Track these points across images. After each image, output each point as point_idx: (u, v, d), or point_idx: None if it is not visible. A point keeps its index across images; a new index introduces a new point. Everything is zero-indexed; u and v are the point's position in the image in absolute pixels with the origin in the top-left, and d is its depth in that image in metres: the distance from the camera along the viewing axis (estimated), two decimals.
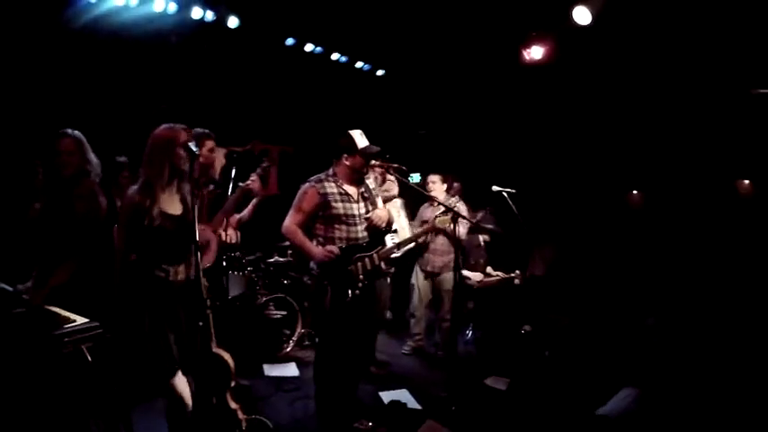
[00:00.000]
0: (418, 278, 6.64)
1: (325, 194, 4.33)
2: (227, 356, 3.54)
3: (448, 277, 6.40)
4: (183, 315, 3.44)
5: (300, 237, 4.33)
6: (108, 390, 3.35)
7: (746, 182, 7.94)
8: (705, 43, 6.88)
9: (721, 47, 6.88)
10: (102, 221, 3.91)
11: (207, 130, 4.65)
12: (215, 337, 3.42)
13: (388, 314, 7.18)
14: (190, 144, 3.30)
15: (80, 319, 3.20)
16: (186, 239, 3.20)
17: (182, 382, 3.50)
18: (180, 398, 3.48)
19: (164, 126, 3.48)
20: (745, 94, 7.16)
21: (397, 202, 6.02)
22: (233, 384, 3.58)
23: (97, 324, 3.18)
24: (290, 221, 4.37)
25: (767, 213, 7.39)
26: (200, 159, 4.48)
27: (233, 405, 3.66)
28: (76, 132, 4.00)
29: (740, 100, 7.42)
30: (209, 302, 3.30)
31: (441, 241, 6.41)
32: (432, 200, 6.15)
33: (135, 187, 3.45)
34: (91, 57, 6.45)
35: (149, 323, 3.39)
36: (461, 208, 6.12)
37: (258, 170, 5.01)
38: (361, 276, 4.31)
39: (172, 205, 3.48)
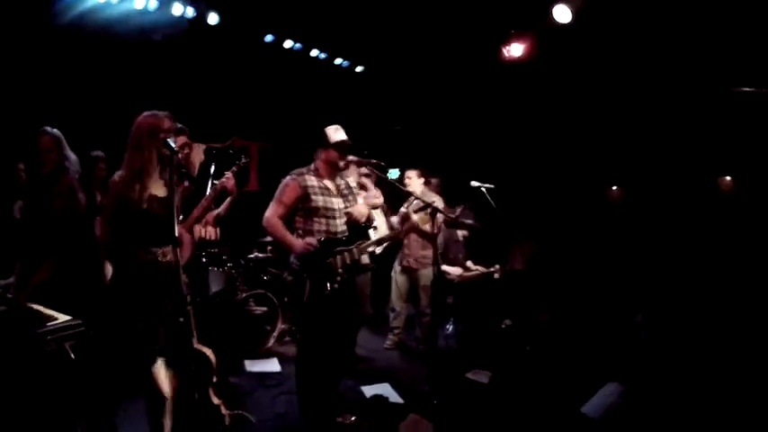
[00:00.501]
0: (396, 273, 6.67)
1: (306, 187, 4.37)
2: (208, 352, 3.55)
3: (425, 272, 6.38)
4: (168, 303, 3.40)
5: (281, 229, 4.35)
6: (91, 387, 3.33)
7: (728, 178, 8.02)
8: (686, 41, 6.97)
9: (702, 45, 6.97)
10: (82, 218, 3.90)
11: (180, 125, 4.58)
12: (196, 333, 3.41)
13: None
14: (168, 140, 3.29)
15: (62, 317, 3.17)
16: (171, 221, 3.14)
17: (162, 373, 3.47)
18: (159, 389, 3.44)
19: (147, 113, 3.47)
20: (725, 92, 7.24)
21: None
22: (215, 380, 3.58)
23: (80, 322, 3.16)
24: (270, 214, 4.38)
25: (748, 210, 7.46)
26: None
27: (216, 401, 3.67)
28: (55, 130, 3.99)
29: (721, 97, 7.49)
30: (189, 298, 3.29)
31: (416, 237, 6.39)
32: (410, 196, 6.14)
33: (120, 173, 3.43)
34: (72, 54, 6.40)
35: (133, 307, 3.38)
36: (439, 203, 6.13)
37: (234, 167, 5.01)
38: (340, 270, 4.33)
39: (158, 189, 3.48)
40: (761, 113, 7.43)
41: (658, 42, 7.15)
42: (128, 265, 3.43)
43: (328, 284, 4.28)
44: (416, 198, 5.62)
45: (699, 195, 8.25)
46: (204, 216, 4.98)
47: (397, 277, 6.66)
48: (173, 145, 3.26)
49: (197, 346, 3.45)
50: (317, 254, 4.26)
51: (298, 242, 4.28)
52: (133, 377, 3.59)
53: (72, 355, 3.02)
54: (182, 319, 3.14)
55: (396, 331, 6.77)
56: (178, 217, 4.55)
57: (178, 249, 3.17)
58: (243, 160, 5.21)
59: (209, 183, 5.22)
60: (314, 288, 4.29)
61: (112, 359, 3.57)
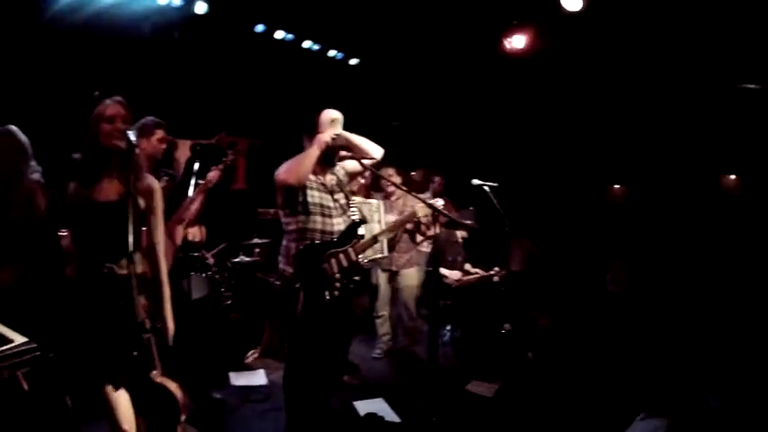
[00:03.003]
0: (380, 278, 6.39)
1: None
2: (173, 387, 3.08)
3: (410, 273, 6.25)
4: (120, 329, 2.93)
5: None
6: (47, 418, 2.97)
7: (732, 177, 7.84)
8: (692, 37, 6.73)
9: (709, 41, 6.72)
10: (44, 224, 3.55)
11: (157, 119, 4.39)
12: (160, 364, 2.95)
13: None
14: (129, 133, 2.88)
15: (18, 339, 2.82)
16: (124, 230, 2.72)
17: (117, 395, 3.03)
18: (115, 412, 3.02)
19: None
20: (731, 89, 7.05)
21: (374, 202, 5.70)
22: (183, 419, 3.16)
23: (35, 345, 2.80)
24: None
25: (752, 209, 7.29)
26: (149, 150, 4.29)
27: None
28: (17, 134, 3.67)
29: (727, 95, 7.31)
30: (148, 324, 2.86)
31: (402, 238, 6.18)
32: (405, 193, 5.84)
33: (72, 176, 3.05)
34: (50, 49, 6.09)
35: (81, 328, 2.97)
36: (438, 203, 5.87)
37: (220, 164, 4.82)
38: (337, 275, 3.97)
39: (107, 192, 3.02)
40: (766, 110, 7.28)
41: (664, 37, 6.90)
42: (78, 279, 3.02)
43: (327, 293, 3.93)
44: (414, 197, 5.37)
45: (702, 193, 8.10)
46: (187, 218, 4.74)
47: (382, 282, 6.41)
48: (132, 138, 2.86)
49: (160, 380, 2.99)
50: (310, 260, 3.92)
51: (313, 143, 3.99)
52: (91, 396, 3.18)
53: (25, 386, 2.65)
54: (135, 353, 2.73)
55: (385, 338, 6.50)
56: (142, 223, 4.28)
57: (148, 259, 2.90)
58: (230, 157, 4.97)
59: (192, 180, 4.90)
60: (309, 299, 3.93)
61: (70, 383, 3.19)
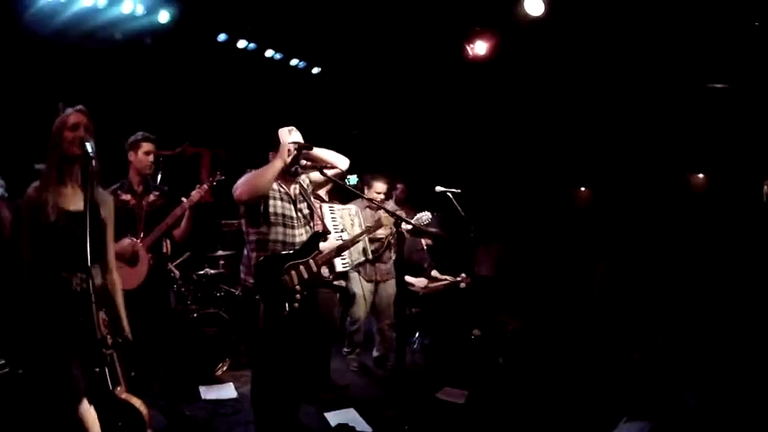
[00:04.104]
0: (364, 287, 6.24)
1: None
2: (138, 403, 3.02)
3: (392, 283, 6.19)
4: (81, 344, 2.88)
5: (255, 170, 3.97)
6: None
7: (701, 176, 7.94)
8: (659, 37, 6.79)
9: (676, 41, 6.80)
10: (7, 236, 3.46)
11: (147, 133, 4.50)
12: (124, 380, 2.89)
13: None
14: (87, 144, 2.84)
15: None
16: (83, 241, 2.65)
17: (91, 416, 2.96)
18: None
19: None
20: (699, 89, 7.12)
21: (353, 208, 5.65)
22: None
23: (3, 362, 2.72)
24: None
25: (720, 208, 7.38)
26: (136, 164, 4.50)
27: None
28: None
29: (695, 94, 7.39)
30: (109, 340, 2.80)
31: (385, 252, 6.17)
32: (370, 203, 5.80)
33: (34, 184, 2.99)
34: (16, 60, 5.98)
35: (51, 341, 2.88)
36: (401, 211, 5.85)
37: (206, 184, 4.81)
38: (297, 287, 3.91)
39: (71, 201, 2.98)
40: (734, 110, 7.36)
41: (628, 39, 6.96)
42: (36, 291, 2.93)
43: (287, 305, 3.87)
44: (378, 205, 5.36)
45: (670, 193, 8.18)
46: (177, 235, 4.74)
47: (365, 293, 6.25)
48: (89, 149, 2.82)
49: (125, 396, 2.92)
50: (270, 271, 3.86)
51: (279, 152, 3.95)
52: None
53: None
54: (97, 369, 2.65)
55: (357, 350, 6.42)
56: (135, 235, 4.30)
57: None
58: (218, 177, 4.96)
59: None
60: (269, 311, 3.88)
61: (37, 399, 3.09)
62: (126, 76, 6.99)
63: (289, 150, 3.93)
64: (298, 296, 3.90)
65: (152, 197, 4.61)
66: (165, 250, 4.72)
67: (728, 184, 7.88)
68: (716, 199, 7.88)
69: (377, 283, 6.24)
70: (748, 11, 6.03)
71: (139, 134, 4.51)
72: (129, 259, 4.40)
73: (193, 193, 4.69)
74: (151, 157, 4.53)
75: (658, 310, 6.34)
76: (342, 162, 4.28)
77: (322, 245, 4.17)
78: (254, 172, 3.96)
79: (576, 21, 6.73)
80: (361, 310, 6.30)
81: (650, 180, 8.34)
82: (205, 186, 4.79)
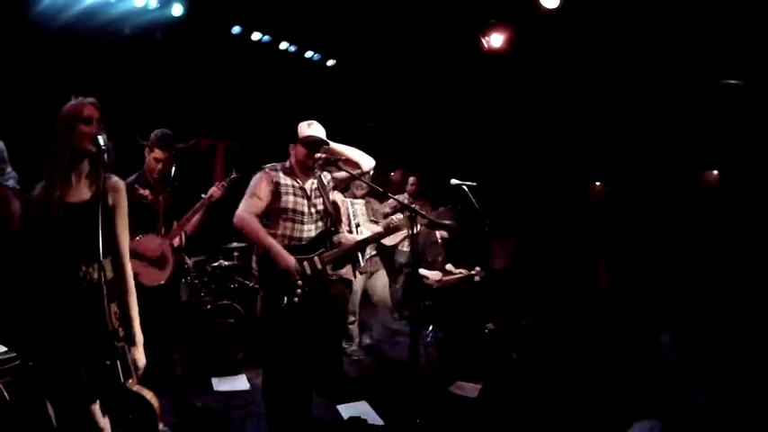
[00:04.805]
0: (358, 280, 6.18)
1: (278, 183, 3.98)
2: (149, 396, 2.99)
3: (382, 273, 6.38)
4: (90, 337, 2.83)
5: (260, 229, 3.90)
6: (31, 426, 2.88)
7: (715, 172, 7.86)
8: (674, 32, 6.70)
9: (690, 36, 6.71)
10: (17, 229, 3.45)
11: (164, 138, 4.50)
12: (135, 373, 2.86)
13: None
14: (99, 137, 2.78)
15: None
16: (95, 234, 2.63)
17: (99, 419, 2.93)
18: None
19: (69, 103, 2.93)
20: (713, 85, 7.04)
21: (360, 202, 5.65)
22: (161, 427, 3.07)
23: (15, 355, 2.72)
24: (244, 208, 3.94)
25: (734, 204, 7.30)
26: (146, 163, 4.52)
27: None
28: None
29: (709, 90, 7.30)
30: (121, 332, 2.79)
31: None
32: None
33: (40, 184, 2.90)
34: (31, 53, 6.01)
35: (58, 339, 2.84)
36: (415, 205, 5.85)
37: (225, 181, 4.81)
38: (299, 282, 3.89)
39: (73, 193, 2.89)
40: (748, 106, 7.27)
41: (643, 34, 6.88)
42: (47, 286, 2.88)
43: (285, 298, 3.87)
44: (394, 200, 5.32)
45: (684, 190, 8.10)
46: (189, 229, 4.75)
47: (357, 284, 6.23)
48: (101, 142, 2.76)
49: (136, 389, 2.90)
50: (272, 265, 3.86)
51: (283, 252, 3.85)
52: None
53: (6, 396, 2.57)
54: (108, 362, 2.60)
55: (357, 341, 6.45)
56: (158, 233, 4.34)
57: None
58: (233, 174, 4.92)
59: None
60: (266, 302, 3.92)
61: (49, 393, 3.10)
62: (140, 68, 6.99)
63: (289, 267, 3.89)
64: (298, 291, 3.89)
65: (166, 193, 4.63)
66: (179, 243, 4.71)
67: (742, 181, 7.80)
68: (729, 195, 7.79)
69: (370, 275, 6.31)
70: (763, 6, 5.95)
71: (158, 134, 4.49)
72: (157, 260, 4.43)
73: (213, 189, 4.71)
74: (160, 165, 4.49)
75: (671, 306, 6.29)
76: (366, 162, 4.26)
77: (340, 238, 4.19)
78: (256, 227, 3.92)
79: (592, 14, 6.66)
80: (357, 303, 6.35)
81: (664, 176, 8.26)
82: (224, 184, 4.78)
